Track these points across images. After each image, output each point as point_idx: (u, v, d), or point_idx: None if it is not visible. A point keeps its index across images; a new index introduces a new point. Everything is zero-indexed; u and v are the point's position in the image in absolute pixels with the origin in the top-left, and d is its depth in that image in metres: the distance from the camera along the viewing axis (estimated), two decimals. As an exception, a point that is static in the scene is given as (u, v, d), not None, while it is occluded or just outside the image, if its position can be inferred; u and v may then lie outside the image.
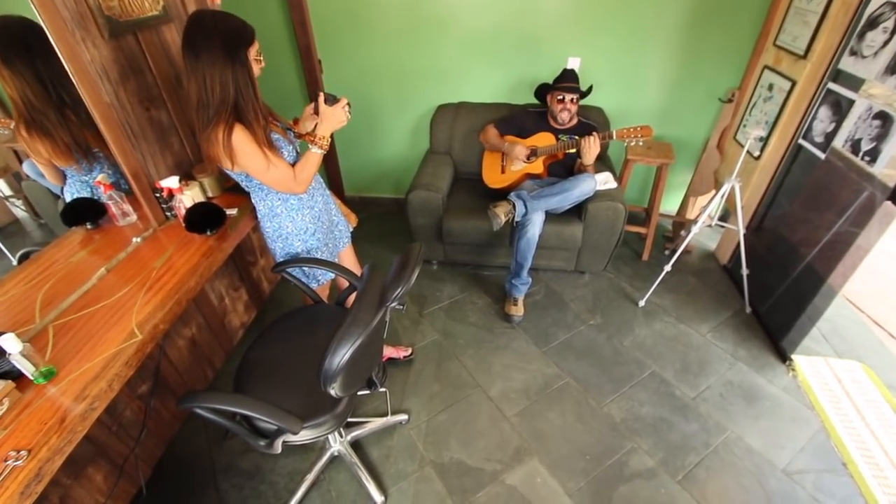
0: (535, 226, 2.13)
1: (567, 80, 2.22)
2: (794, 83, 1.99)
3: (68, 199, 1.49)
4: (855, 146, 1.67)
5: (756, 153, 2.24)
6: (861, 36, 1.66)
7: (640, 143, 2.03)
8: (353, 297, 1.61)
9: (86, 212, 1.48)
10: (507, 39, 2.46)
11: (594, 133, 2.06)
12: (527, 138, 2.36)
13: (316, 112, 1.39)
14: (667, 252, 2.70)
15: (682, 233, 2.58)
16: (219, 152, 1.21)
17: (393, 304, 1.02)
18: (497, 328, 2.23)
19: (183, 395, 1.02)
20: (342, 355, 0.99)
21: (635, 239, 2.79)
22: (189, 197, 1.49)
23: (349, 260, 1.81)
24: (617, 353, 2.09)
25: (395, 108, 2.79)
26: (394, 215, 3.11)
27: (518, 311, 2.25)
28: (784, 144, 2.09)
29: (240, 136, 1.19)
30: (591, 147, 2.06)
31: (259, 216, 1.48)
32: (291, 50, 2.62)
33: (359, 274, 1.82)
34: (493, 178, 2.46)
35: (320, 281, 1.63)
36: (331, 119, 1.37)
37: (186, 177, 1.62)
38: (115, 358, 1.02)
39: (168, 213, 1.54)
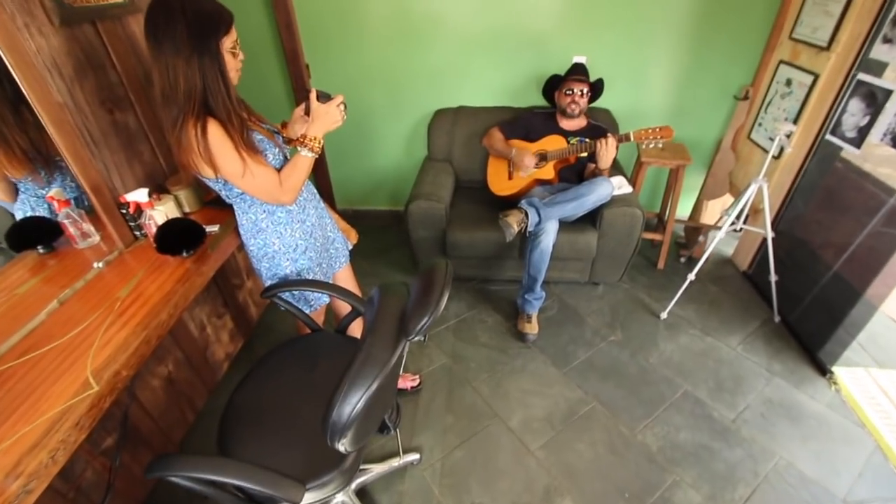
0: (549, 235, 1.96)
1: (576, 72, 2.08)
2: (816, 76, 1.88)
3: (20, 217, 1.27)
4: (895, 139, 1.54)
5: (776, 152, 2.12)
6: (897, 22, 1.55)
7: (660, 146, 1.88)
8: (356, 323, 1.41)
9: (37, 233, 1.25)
10: (508, 39, 2.31)
11: (610, 135, 1.91)
12: (535, 141, 2.20)
13: (307, 113, 1.21)
14: (682, 259, 2.55)
15: (701, 238, 2.45)
16: (192, 157, 1.01)
17: (416, 338, 0.82)
18: (511, 348, 2.04)
19: (151, 462, 0.80)
20: (354, 404, 0.78)
21: (647, 246, 2.64)
22: (161, 213, 1.28)
23: (347, 281, 1.60)
24: (644, 372, 1.91)
25: (389, 115, 2.61)
26: (391, 229, 2.91)
27: (532, 328, 2.06)
28: (808, 141, 1.96)
29: (214, 133, 1.00)
30: (607, 150, 1.91)
31: (241, 232, 1.27)
32: (276, 54, 2.43)
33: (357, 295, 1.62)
34: (500, 184, 2.29)
35: (314, 305, 1.42)
36: (324, 118, 1.18)
37: (159, 190, 1.41)
38: (63, 418, 0.80)
39: (137, 233, 1.32)
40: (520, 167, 2.14)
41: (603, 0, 2.16)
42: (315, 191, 1.40)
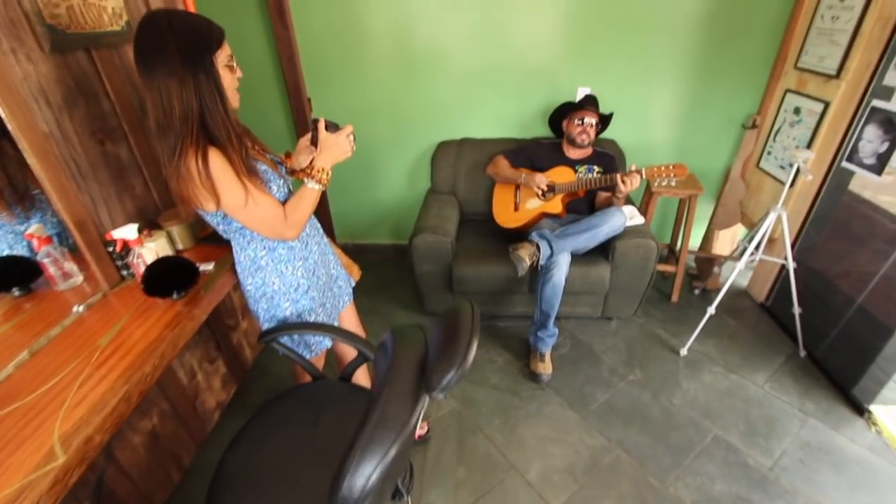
0: (562, 269, 1.87)
1: (588, 103, 2.06)
2: (827, 104, 1.86)
3: (-7, 258, 1.17)
4: (922, 165, 1.49)
5: (792, 180, 2.07)
6: (910, 49, 1.53)
7: (673, 184, 1.81)
8: (362, 370, 1.29)
9: (13, 274, 1.14)
10: (511, 71, 2.31)
11: (634, 172, 1.79)
12: (542, 172, 2.14)
13: (314, 143, 1.14)
14: (696, 291, 2.46)
15: (715, 269, 2.37)
16: (193, 188, 0.92)
17: (439, 395, 0.71)
18: (524, 391, 1.90)
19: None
20: (368, 476, 0.66)
21: (659, 278, 2.56)
22: (151, 250, 1.18)
23: (351, 321, 1.49)
24: (668, 415, 1.77)
25: (392, 147, 2.57)
26: (393, 263, 2.81)
27: (546, 368, 1.94)
28: (823, 169, 1.92)
29: (216, 163, 0.91)
30: (632, 187, 1.81)
31: (238, 270, 1.17)
32: (278, 88, 2.41)
33: (362, 337, 1.51)
34: (506, 216, 2.22)
35: (315, 350, 1.29)
36: (333, 148, 1.11)
37: (150, 226, 1.32)
38: (19, 498, 0.67)
39: (124, 272, 1.21)
40: (530, 187, 2.05)
41: (606, 33, 2.17)
42: (318, 225, 1.31)
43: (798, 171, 1.75)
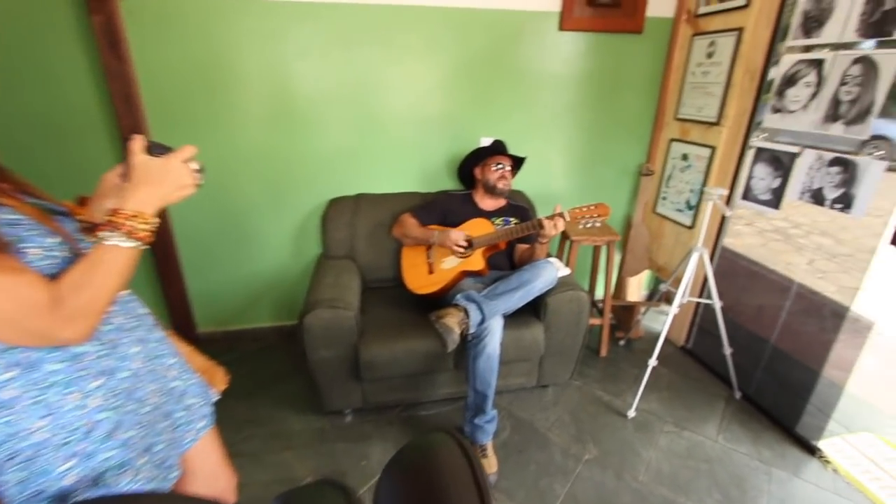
0: (496, 336, 1.55)
1: (500, 147, 1.89)
2: (713, 148, 1.96)
3: None
4: (817, 196, 1.55)
5: (688, 223, 2.12)
6: (781, 94, 1.66)
7: (598, 225, 1.69)
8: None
9: None
10: (409, 121, 2.09)
11: (557, 215, 1.65)
12: (455, 226, 1.88)
13: (127, 177, 0.69)
14: (621, 342, 2.33)
15: (639, 318, 2.28)
16: None
17: None
18: (469, 502, 1.45)
19: None
20: None
21: (582, 333, 2.39)
22: None
23: (207, 463, 0.93)
24: (639, 497, 1.48)
25: (271, 207, 2.10)
26: (278, 351, 2.22)
27: (491, 465, 1.54)
28: (717, 211, 1.98)
29: None
30: (556, 230, 1.64)
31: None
32: (108, 133, 1.83)
33: (227, 489, 0.97)
34: (420, 281, 1.87)
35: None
36: (159, 180, 0.68)
37: None
38: None
39: None
40: (450, 246, 1.75)
41: (500, 84, 2.09)
42: (143, 312, 0.80)
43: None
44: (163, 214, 1.96)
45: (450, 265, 1.82)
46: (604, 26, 2.05)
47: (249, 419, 1.78)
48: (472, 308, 1.52)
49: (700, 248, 1.76)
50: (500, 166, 1.87)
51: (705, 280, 2.08)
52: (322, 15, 1.84)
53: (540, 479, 1.54)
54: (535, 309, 1.79)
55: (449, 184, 2.22)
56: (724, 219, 1.99)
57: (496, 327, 1.56)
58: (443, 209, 1.93)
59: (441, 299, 1.79)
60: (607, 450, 1.66)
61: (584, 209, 1.67)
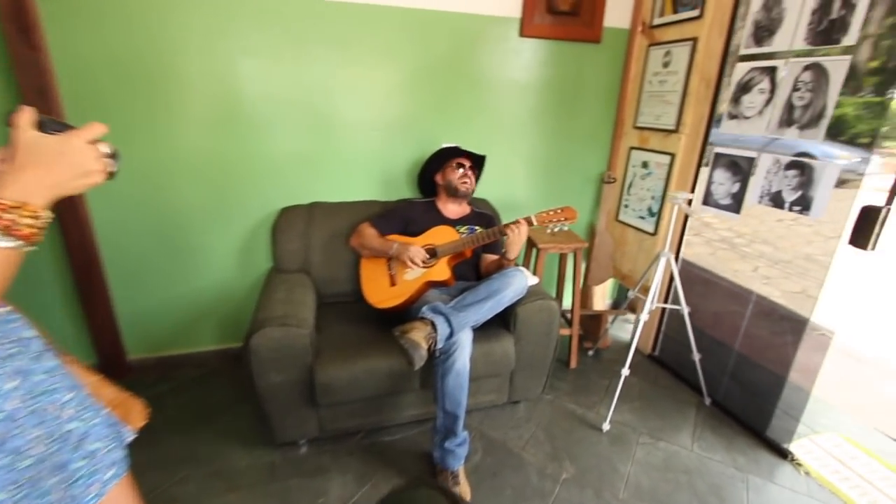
0: (465, 350, 1.44)
1: (457, 148, 1.82)
2: (673, 155, 1.98)
3: None
4: (776, 199, 1.58)
5: (651, 230, 2.13)
6: (737, 101, 1.69)
7: (566, 228, 1.65)
8: None
9: None
10: (367, 126, 1.97)
11: (520, 219, 1.60)
12: (417, 235, 1.77)
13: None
14: (590, 353, 2.28)
15: (607, 326, 2.25)
16: None
17: None
18: (441, 538, 1.31)
19: None
20: None
21: (550, 344, 2.33)
22: None
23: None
24: (621, 518, 1.39)
25: (215, 216, 1.90)
26: (220, 378, 1.99)
27: (464, 492, 1.41)
28: (681, 215, 2.00)
29: None
30: (520, 236, 1.58)
31: None
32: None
33: None
34: (381, 294, 1.74)
35: None
36: (50, 162, 0.53)
37: None
38: None
39: None
40: (407, 262, 1.65)
41: (460, 90, 2.03)
42: (30, 335, 0.63)
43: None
44: (85, 222, 1.71)
45: (413, 276, 1.70)
46: (563, 34, 2.05)
47: (186, 457, 1.55)
48: (439, 321, 1.41)
49: (667, 252, 1.75)
50: (462, 166, 1.80)
51: (670, 286, 2.08)
52: (271, 9, 1.71)
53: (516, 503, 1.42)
54: (504, 320, 1.70)
55: (409, 192, 2.11)
56: (685, 225, 2.00)
57: (466, 341, 1.45)
58: (404, 217, 1.82)
59: (405, 313, 1.66)
60: (585, 467, 1.58)
61: (552, 213, 1.63)
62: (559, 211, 1.62)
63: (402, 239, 1.75)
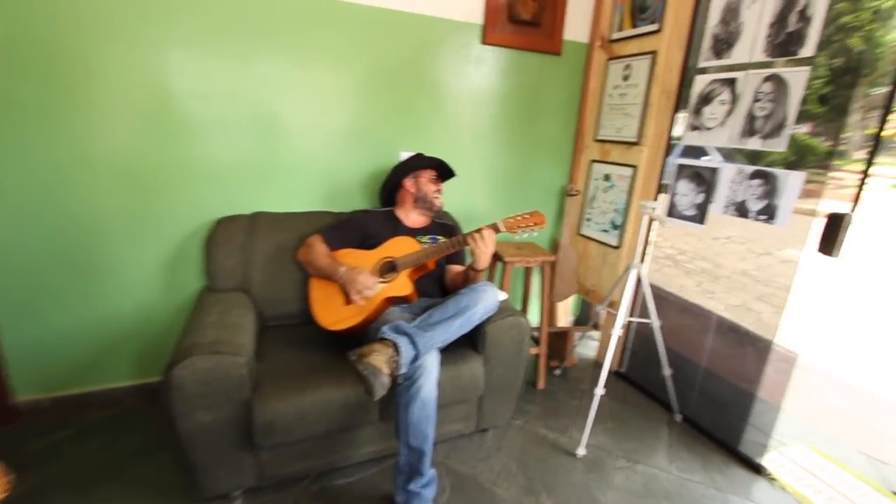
0: (432, 375, 1.27)
1: (436, 161, 1.70)
2: (635, 167, 1.96)
3: None
4: (741, 209, 1.57)
5: (615, 243, 2.09)
6: (698, 112, 1.70)
7: (535, 235, 1.55)
8: None
9: None
10: (320, 130, 1.80)
11: (484, 227, 1.48)
12: (375, 247, 1.60)
13: None
14: (557, 372, 2.18)
15: (575, 343, 2.16)
16: None
17: None
18: None
19: None
20: None
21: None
22: None
23: None
24: (607, 557, 1.26)
25: (133, 230, 1.63)
26: (136, 420, 1.67)
27: (433, 542, 1.21)
28: (644, 227, 1.97)
29: None
30: (486, 244, 1.45)
31: None
32: None
33: None
34: (334, 314, 1.53)
35: None
36: None
37: None
38: None
39: None
40: (353, 296, 1.46)
41: (422, 98, 1.93)
42: None
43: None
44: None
45: (364, 297, 1.51)
46: (525, 44, 2.01)
47: (84, 525, 1.24)
48: (402, 342, 1.23)
49: (637, 264, 1.69)
50: (438, 181, 1.67)
51: (634, 300, 2.04)
52: (208, -7, 1.52)
53: (492, 551, 1.25)
54: (471, 340, 1.56)
55: (363, 202, 1.95)
56: (647, 240, 1.97)
57: (432, 364, 1.28)
58: (360, 229, 1.64)
59: (362, 335, 1.48)
60: (563, 499, 1.44)
61: (519, 218, 1.52)
62: (527, 216, 1.52)
63: (353, 256, 1.57)
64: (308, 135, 1.78)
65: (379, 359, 1.16)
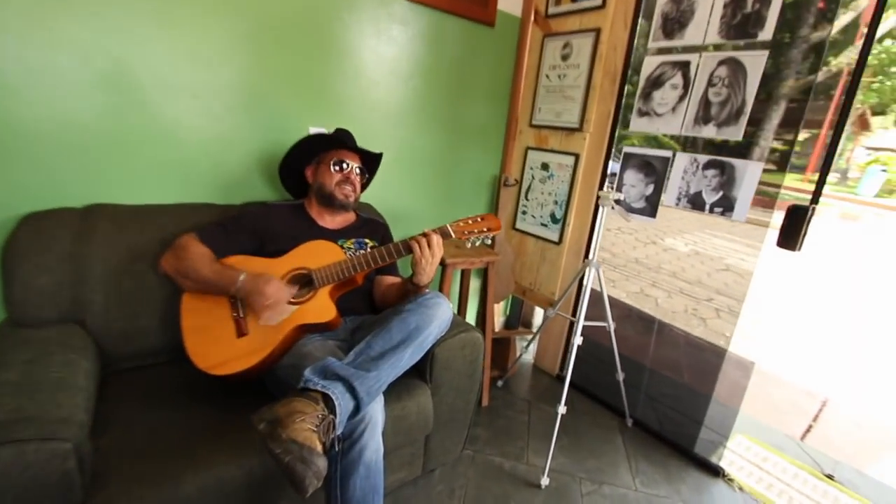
0: (377, 428, 0.93)
1: (345, 139, 1.29)
2: (577, 156, 1.80)
3: None
4: (695, 201, 1.48)
5: (555, 238, 1.92)
6: (647, 97, 1.58)
7: (488, 242, 1.27)
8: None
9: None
10: (197, 92, 1.30)
11: (429, 231, 1.15)
12: (281, 255, 1.17)
13: None
14: (499, 384, 1.95)
15: (521, 351, 1.95)
16: None
17: None
18: None
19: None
20: None
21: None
22: None
23: None
24: None
25: None
26: None
27: None
28: (587, 221, 1.83)
29: None
30: (433, 252, 1.12)
31: None
32: None
33: None
34: (221, 351, 1.07)
35: None
36: None
37: None
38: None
39: None
40: (258, 311, 1.05)
41: (332, 63, 1.52)
42: None
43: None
44: None
45: (277, 317, 1.09)
46: (456, 7, 1.71)
47: None
48: (336, 391, 0.86)
49: (594, 262, 1.52)
50: (342, 165, 1.27)
51: (577, 302, 1.90)
52: None
53: None
54: (415, 366, 1.23)
55: (254, 194, 1.48)
56: (592, 233, 1.84)
57: (377, 416, 0.93)
58: (258, 229, 1.20)
59: (267, 378, 1.05)
60: (536, 550, 1.20)
61: (471, 221, 1.21)
62: (479, 220, 1.21)
63: (253, 265, 1.13)
64: (175, 98, 1.27)
65: (304, 427, 0.77)
